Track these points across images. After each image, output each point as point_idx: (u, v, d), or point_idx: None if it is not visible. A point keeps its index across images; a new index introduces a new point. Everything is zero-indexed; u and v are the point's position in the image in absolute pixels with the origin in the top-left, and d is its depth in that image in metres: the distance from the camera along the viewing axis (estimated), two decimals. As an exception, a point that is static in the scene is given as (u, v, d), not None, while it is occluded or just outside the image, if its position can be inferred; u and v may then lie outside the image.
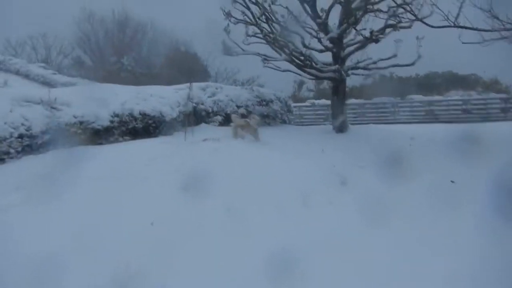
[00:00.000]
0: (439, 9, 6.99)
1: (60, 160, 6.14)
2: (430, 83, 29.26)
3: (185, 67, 29.62)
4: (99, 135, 8.55)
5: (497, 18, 7.05)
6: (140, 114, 9.49)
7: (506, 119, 19.08)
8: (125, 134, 9.11)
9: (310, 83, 27.02)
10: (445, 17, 7.00)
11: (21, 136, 7.24)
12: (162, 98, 10.47)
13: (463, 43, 7.27)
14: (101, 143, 8.48)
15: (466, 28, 7.03)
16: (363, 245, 4.31)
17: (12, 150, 7.05)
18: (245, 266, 3.67)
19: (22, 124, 7.33)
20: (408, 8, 7.86)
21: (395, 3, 8.33)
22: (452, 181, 6.94)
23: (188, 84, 13.61)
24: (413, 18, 8.58)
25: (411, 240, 4.56)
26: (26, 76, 27.59)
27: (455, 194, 6.34)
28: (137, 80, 25.60)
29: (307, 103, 21.91)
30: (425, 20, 7.93)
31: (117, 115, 9.00)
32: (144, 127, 9.55)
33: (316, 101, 21.83)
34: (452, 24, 7.02)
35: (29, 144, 7.37)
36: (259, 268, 3.57)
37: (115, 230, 4.04)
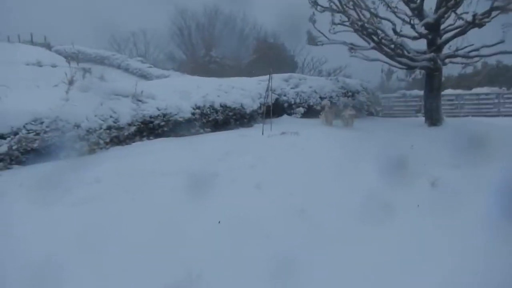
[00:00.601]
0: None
1: (140, 153, 6.30)
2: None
3: (273, 58, 29.66)
4: (181, 127, 8.73)
5: None
6: (221, 106, 9.53)
7: None
8: (206, 126, 9.23)
9: (400, 72, 25.33)
10: None
11: (109, 127, 7.62)
12: (243, 90, 10.42)
13: None
14: (183, 135, 8.66)
15: None
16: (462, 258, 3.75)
17: (101, 141, 7.45)
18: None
19: (111, 116, 7.72)
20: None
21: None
22: None
23: (269, 76, 13.50)
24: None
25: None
26: (126, 69, 29.81)
27: None
28: (224, 72, 26.23)
29: (397, 94, 20.54)
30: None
31: (198, 107, 9.13)
32: (225, 119, 9.59)
33: (408, 92, 20.38)
34: None
35: (116, 135, 7.74)
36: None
37: (180, 232, 3.97)
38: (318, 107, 12.59)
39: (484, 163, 7.03)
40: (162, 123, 8.43)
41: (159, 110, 8.44)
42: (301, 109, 12.39)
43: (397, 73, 26.27)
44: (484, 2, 10.49)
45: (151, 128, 8.34)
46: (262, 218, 4.22)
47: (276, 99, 12.29)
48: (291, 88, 12.73)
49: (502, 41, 11.19)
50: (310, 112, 12.56)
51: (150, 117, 8.29)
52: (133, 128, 8.01)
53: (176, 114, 8.61)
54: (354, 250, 3.75)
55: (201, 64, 30.85)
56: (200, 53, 33.04)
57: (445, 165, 6.99)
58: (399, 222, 4.58)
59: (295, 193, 4.90)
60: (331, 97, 12.69)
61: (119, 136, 7.78)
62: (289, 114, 12.39)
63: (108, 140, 7.58)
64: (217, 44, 32.91)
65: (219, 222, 4.11)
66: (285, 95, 12.47)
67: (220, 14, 35.55)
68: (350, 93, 13.29)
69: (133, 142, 7.95)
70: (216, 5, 34.88)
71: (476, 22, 10.02)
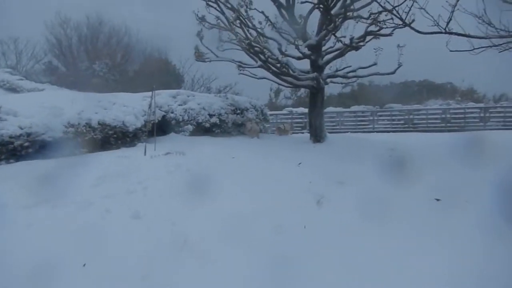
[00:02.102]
0: (428, 14, 6.35)
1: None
2: (407, 92, 29.22)
3: (160, 74, 28.72)
4: (51, 147, 7.63)
5: (490, 25, 6.49)
6: (99, 124, 8.61)
7: (486, 128, 18.93)
8: (82, 146, 8.21)
9: (287, 91, 26.50)
10: (435, 23, 6.36)
11: None
12: (125, 107, 9.62)
13: (451, 51, 6.66)
14: (53, 157, 7.55)
15: (457, 34, 6.42)
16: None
17: None
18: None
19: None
20: (395, 13, 7.21)
21: (383, 7, 7.72)
22: (437, 199, 6.28)
23: (156, 91, 12.82)
24: (397, 24, 7.98)
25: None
26: (-10, 82, 26.19)
27: (443, 212, 5.74)
28: (109, 87, 24.61)
29: (284, 111, 21.31)
30: (410, 26, 7.28)
31: (72, 125, 8.10)
32: (104, 138, 8.68)
33: (294, 109, 21.26)
34: (443, 30, 6.40)
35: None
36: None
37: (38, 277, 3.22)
38: (207, 124, 12.29)
39: (366, 178, 7.38)
40: (26, 144, 7.26)
41: (21, 129, 7.25)
42: (190, 127, 11.93)
43: (284, 92, 27.45)
44: (361, 27, 11.34)
45: (11, 150, 7.13)
46: (140, 253, 3.66)
47: (163, 116, 11.68)
48: (179, 104, 12.21)
49: (375, 63, 12.18)
50: (199, 129, 12.19)
51: (10, 137, 7.08)
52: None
53: (43, 134, 7.49)
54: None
55: (83, 77, 28.59)
56: (82, 66, 30.62)
57: (330, 182, 7.13)
58: (286, 245, 4.39)
59: (177, 221, 4.41)
60: (220, 114, 12.45)
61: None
62: (177, 132, 11.84)
63: None
64: (101, 57, 30.88)
65: (84, 265, 3.44)
66: (172, 112, 11.91)
67: (104, 26, 33.54)
68: (239, 111, 13.20)
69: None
70: (99, 17, 32.86)
71: (353, 45, 10.69)
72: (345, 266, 3.92)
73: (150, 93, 12.61)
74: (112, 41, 33.84)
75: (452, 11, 6.19)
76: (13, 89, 24.39)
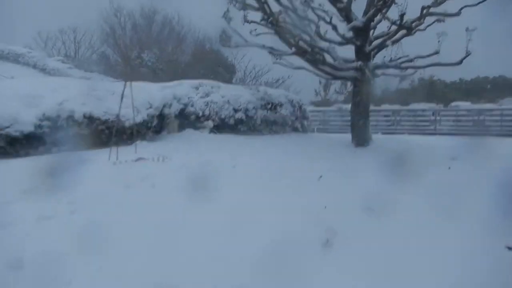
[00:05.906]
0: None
1: None
2: (478, 89, 25.57)
3: (211, 65, 27.59)
4: (20, 144, 6.42)
5: None
6: (85, 117, 7.28)
7: None
8: (63, 144, 6.93)
9: (338, 85, 24.14)
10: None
11: None
12: (126, 98, 8.21)
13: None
14: (18, 156, 6.33)
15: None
16: None
17: None
18: None
19: None
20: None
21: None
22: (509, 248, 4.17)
23: (177, 81, 11.39)
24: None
25: None
26: (43, 69, 26.59)
27: None
28: (156, 77, 23.88)
29: (333, 108, 19.17)
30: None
31: (48, 118, 6.82)
32: (92, 134, 7.34)
33: (344, 106, 19.06)
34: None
35: None
36: None
37: None
38: (232, 121, 10.67)
39: (408, 203, 5.29)
40: (-16, 139, 6.09)
41: (-25, 120, 6.09)
42: (210, 123, 10.39)
43: (335, 86, 25.12)
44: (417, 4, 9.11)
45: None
46: None
47: (182, 110, 10.25)
48: (201, 97, 10.71)
49: (437, 52, 9.87)
50: (223, 126, 10.61)
51: (-34, 130, 5.93)
52: None
53: (8, 127, 6.27)
54: None
55: (132, 67, 28.18)
56: (131, 56, 30.29)
57: (354, 208, 5.17)
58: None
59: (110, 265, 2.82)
60: (246, 109, 10.78)
61: None
62: (196, 129, 10.35)
63: None
64: (151, 46, 30.37)
65: None
66: (192, 105, 10.45)
67: (157, 15, 33.15)
68: (271, 105, 11.45)
69: None
70: (153, 6, 32.44)
71: (406, 26, 8.51)
72: None
73: (170, 83, 11.26)
74: (164, 31, 33.38)
75: None
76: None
